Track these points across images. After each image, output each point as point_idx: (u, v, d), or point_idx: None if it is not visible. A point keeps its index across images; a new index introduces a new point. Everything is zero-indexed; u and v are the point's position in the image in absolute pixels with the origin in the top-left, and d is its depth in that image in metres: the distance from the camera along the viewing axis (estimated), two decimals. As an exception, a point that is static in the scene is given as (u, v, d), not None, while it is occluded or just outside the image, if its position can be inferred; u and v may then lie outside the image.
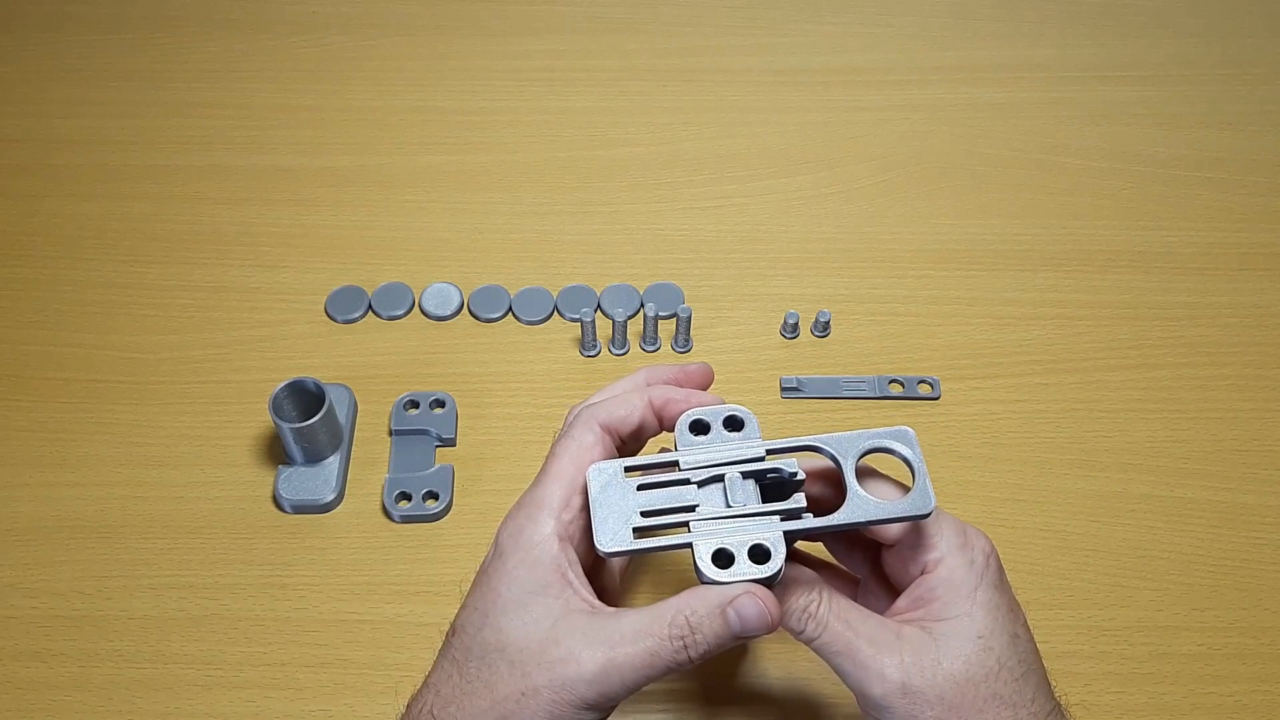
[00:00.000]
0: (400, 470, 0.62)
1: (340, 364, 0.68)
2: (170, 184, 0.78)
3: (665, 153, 0.82)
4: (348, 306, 0.70)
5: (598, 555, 0.40)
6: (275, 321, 0.70)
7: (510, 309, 0.71)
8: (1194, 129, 0.84)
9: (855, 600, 0.42)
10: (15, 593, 0.58)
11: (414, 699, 0.41)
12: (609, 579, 0.47)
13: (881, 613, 0.41)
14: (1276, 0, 0.95)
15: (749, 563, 0.38)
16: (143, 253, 0.74)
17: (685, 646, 0.38)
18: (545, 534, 0.40)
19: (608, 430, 0.42)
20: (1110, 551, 0.60)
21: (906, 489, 0.40)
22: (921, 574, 0.41)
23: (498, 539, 0.41)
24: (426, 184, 0.79)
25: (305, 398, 0.61)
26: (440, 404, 0.65)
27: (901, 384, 0.67)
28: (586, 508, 0.40)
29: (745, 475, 0.40)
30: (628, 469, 0.40)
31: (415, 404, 0.65)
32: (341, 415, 0.63)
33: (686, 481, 0.40)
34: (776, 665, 0.56)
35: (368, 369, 0.68)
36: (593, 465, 0.40)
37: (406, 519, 0.61)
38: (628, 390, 0.44)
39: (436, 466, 0.63)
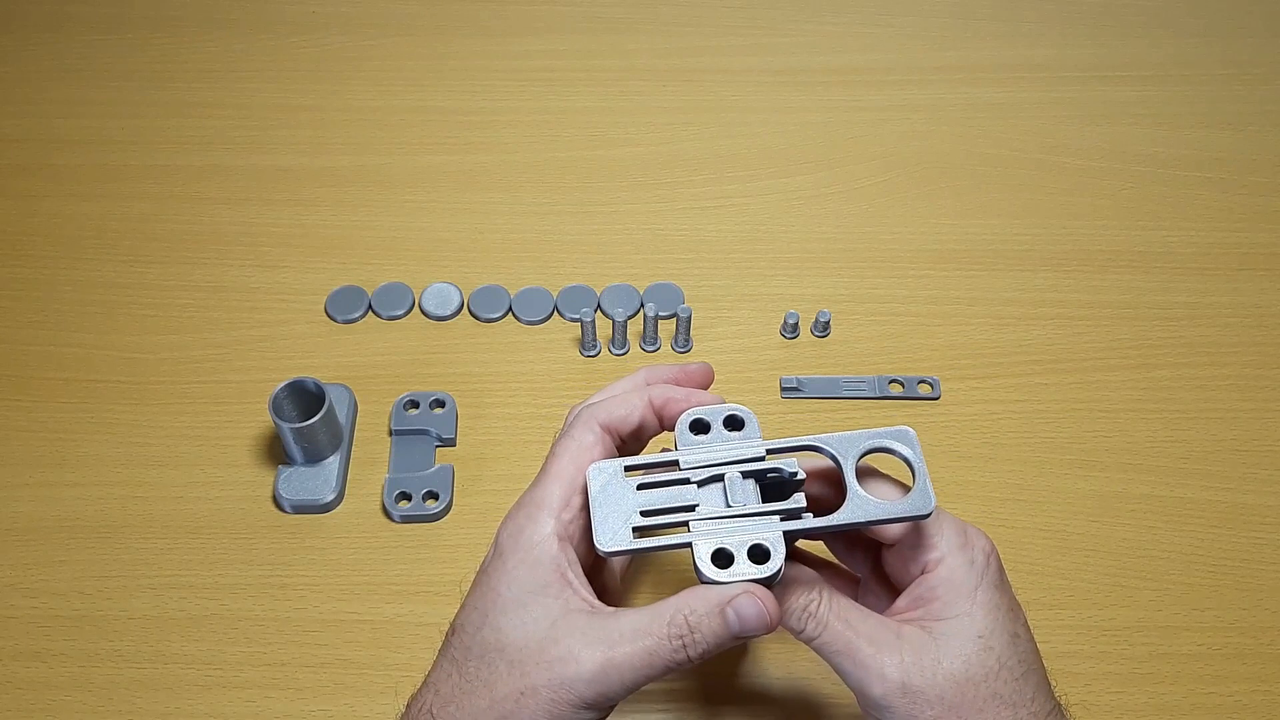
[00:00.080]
0: (400, 470, 0.62)
1: (340, 364, 0.68)
2: (170, 184, 0.78)
3: (665, 153, 0.82)
4: (348, 306, 0.70)
5: (598, 555, 0.40)
6: (275, 321, 0.70)
7: (510, 309, 0.71)
8: (1194, 129, 0.84)
9: (855, 600, 0.42)
10: (15, 593, 0.58)
11: (414, 698, 0.41)
12: (609, 579, 0.47)
13: (882, 612, 0.41)
14: (1276, 0, 0.95)
15: (748, 563, 0.38)
16: (143, 253, 0.74)
17: (684, 646, 0.38)
18: (545, 534, 0.40)
19: (608, 430, 0.42)
20: (1110, 551, 0.60)
21: (907, 489, 0.40)
22: (922, 573, 0.41)
23: (498, 539, 0.41)
24: (426, 184, 0.79)
25: (305, 398, 0.61)
26: (440, 404, 0.65)
27: (901, 384, 0.67)
28: (586, 507, 0.40)
29: (745, 475, 0.40)
30: (627, 468, 0.40)
31: (415, 404, 0.65)
32: (341, 415, 0.63)
33: (686, 481, 0.40)
34: (776, 665, 0.56)
35: (368, 369, 0.68)
36: (592, 464, 0.40)
37: (406, 519, 0.61)
38: (628, 390, 0.44)
39: (436, 466, 0.63)
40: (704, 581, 0.39)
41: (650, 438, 0.44)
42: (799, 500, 0.39)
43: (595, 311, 0.70)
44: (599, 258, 0.74)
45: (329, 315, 0.70)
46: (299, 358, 0.68)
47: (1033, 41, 0.91)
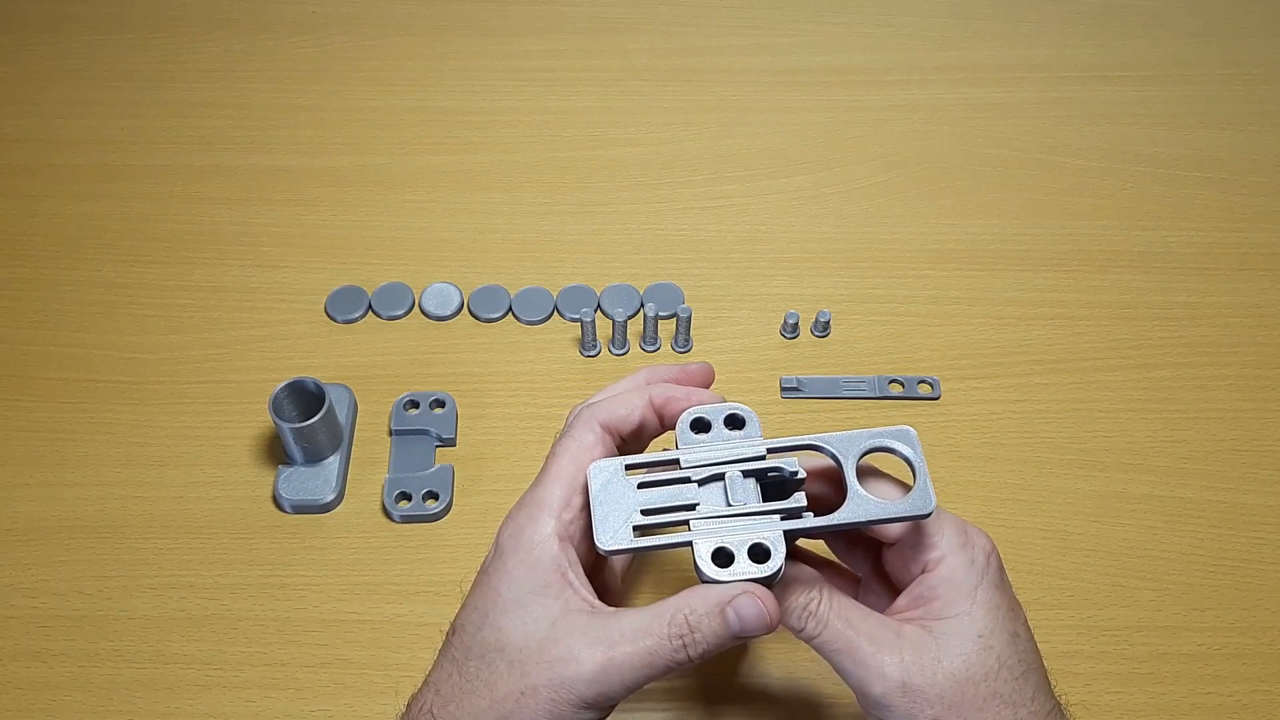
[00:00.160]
0: (400, 470, 0.62)
1: (340, 364, 0.68)
2: (170, 184, 0.78)
3: (665, 153, 0.82)
4: (348, 306, 0.70)
5: (598, 554, 0.40)
6: (275, 321, 0.70)
7: (510, 309, 0.71)
8: (1194, 129, 0.84)
9: (856, 599, 0.42)
10: (15, 593, 0.58)
11: (414, 698, 0.41)
12: (610, 578, 0.47)
13: (882, 611, 0.41)
14: (1276, 0, 0.95)
15: (749, 562, 0.38)
16: (143, 253, 0.74)
17: (684, 646, 0.38)
18: (545, 534, 0.40)
19: (608, 430, 0.42)
20: (1110, 551, 0.60)
21: (907, 488, 0.40)
22: (922, 573, 0.41)
23: (498, 539, 0.41)
24: (426, 184, 0.79)
25: (305, 398, 0.61)
26: (440, 404, 0.65)
27: (901, 384, 0.67)
28: (587, 507, 0.40)
29: (746, 474, 0.40)
30: (628, 467, 0.40)
31: (415, 404, 0.65)
32: (341, 415, 0.63)
33: (687, 480, 0.40)
34: (777, 664, 0.56)
35: (368, 369, 0.68)
36: (593, 463, 0.40)
37: (406, 519, 0.61)
38: (628, 390, 0.44)
39: (436, 466, 0.63)
40: (704, 580, 0.39)
41: (651, 438, 0.44)
42: (799, 499, 0.39)
43: (595, 311, 0.70)
44: (599, 258, 0.74)
45: (329, 315, 0.70)
46: (299, 358, 0.68)
47: (1033, 41, 0.91)
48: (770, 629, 0.38)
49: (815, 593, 0.40)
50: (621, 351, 0.69)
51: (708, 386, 0.46)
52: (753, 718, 0.54)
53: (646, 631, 0.38)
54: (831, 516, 0.39)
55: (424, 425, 0.64)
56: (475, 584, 0.41)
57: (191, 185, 0.78)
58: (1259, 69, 0.89)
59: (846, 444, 0.41)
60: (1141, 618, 0.58)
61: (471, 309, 0.71)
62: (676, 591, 0.39)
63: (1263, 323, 0.71)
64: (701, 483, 0.40)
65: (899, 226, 0.77)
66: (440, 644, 0.41)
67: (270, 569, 0.59)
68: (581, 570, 0.40)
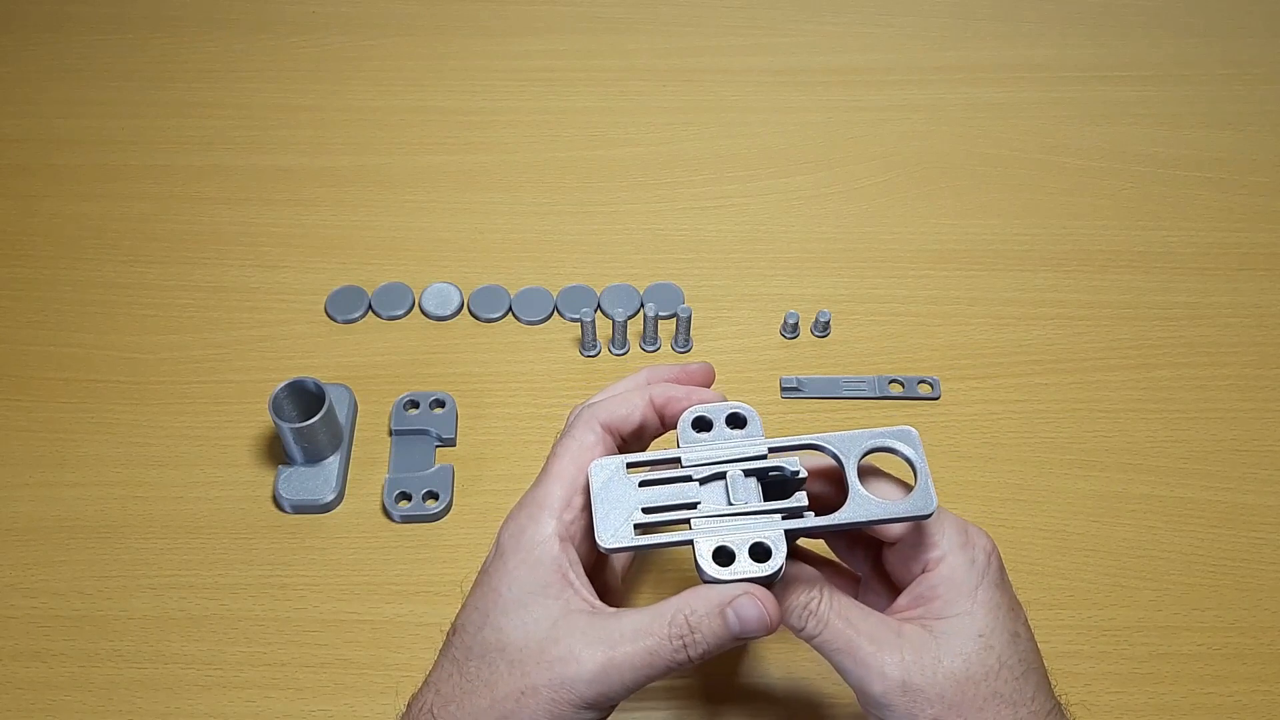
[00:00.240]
0: (400, 470, 0.62)
1: (340, 364, 0.68)
2: (170, 184, 0.78)
3: (665, 153, 0.82)
4: (348, 306, 0.70)
5: (599, 554, 0.40)
6: (275, 321, 0.70)
7: (510, 309, 0.71)
8: (1194, 129, 0.84)
9: (856, 598, 0.42)
10: (15, 593, 0.58)
11: (414, 698, 0.41)
12: (611, 578, 0.47)
13: (882, 611, 0.41)
14: (1276, 0, 0.95)
15: (750, 561, 0.38)
16: (143, 253, 0.74)
17: (684, 646, 0.38)
18: (546, 534, 0.40)
19: (609, 430, 0.42)
20: (1110, 551, 0.60)
21: (908, 488, 0.40)
22: (923, 572, 0.41)
23: (499, 539, 0.41)
24: (426, 184, 0.79)
25: (305, 398, 0.61)
26: (440, 404, 0.65)
27: (901, 384, 0.67)
28: (588, 508, 0.40)
29: (747, 473, 0.40)
30: (630, 465, 0.40)
31: (415, 404, 0.65)
32: (341, 415, 0.63)
33: (688, 478, 0.40)
34: (777, 664, 0.56)
35: (368, 369, 0.68)
36: (594, 461, 0.40)
37: (406, 519, 0.61)
38: (629, 389, 0.44)
39: (436, 466, 0.62)
40: (705, 579, 0.39)
41: (652, 438, 0.44)
42: (801, 499, 0.39)
43: (595, 311, 0.70)
44: (599, 258, 0.74)
45: (329, 315, 0.70)
46: (299, 358, 0.68)
47: (1033, 41, 0.91)
48: (770, 630, 0.38)
49: (816, 592, 0.40)
50: (621, 351, 0.69)
51: (708, 387, 0.46)
52: (753, 717, 0.54)
53: (647, 632, 0.38)
54: (833, 516, 0.39)
55: (424, 425, 0.64)
56: (476, 584, 0.41)
57: (191, 185, 0.78)
58: (1259, 69, 0.89)
59: (848, 444, 0.41)
60: (1141, 618, 0.58)
61: (471, 309, 0.71)
62: (677, 592, 0.39)
63: (1263, 323, 0.71)
64: (703, 481, 0.40)
65: (899, 226, 0.77)
66: (440, 644, 0.42)
67: (270, 569, 0.59)
68: (582, 570, 0.40)
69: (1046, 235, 0.76)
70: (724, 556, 0.38)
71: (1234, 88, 0.88)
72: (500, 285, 0.72)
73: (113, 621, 0.57)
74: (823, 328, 0.69)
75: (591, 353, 0.69)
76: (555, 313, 0.71)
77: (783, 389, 0.67)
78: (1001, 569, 0.41)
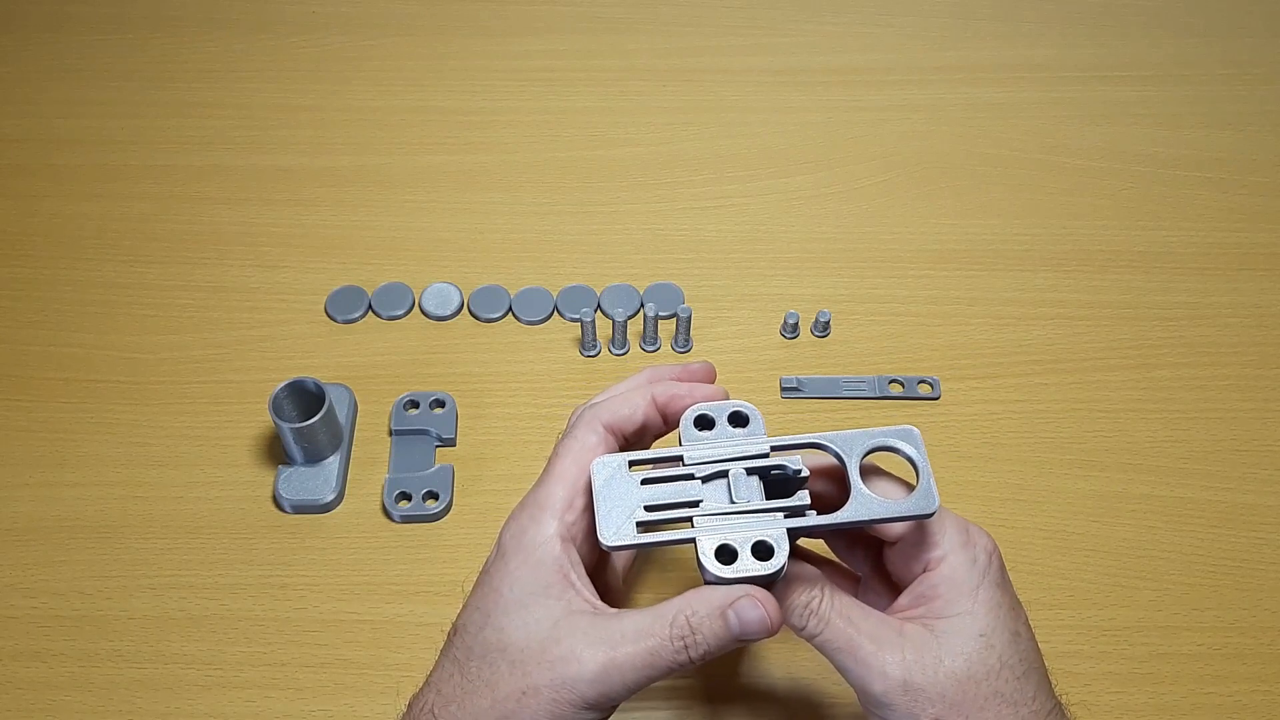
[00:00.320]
0: (400, 470, 0.62)
1: (340, 364, 0.68)
2: (170, 184, 0.78)
3: (665, 153, 0.82)
4: (348, 306, 0.70)
5: (601, 555, 0.40)
6: (275, 321, 0.70)
7: (510, 309, 0.71)
8: (1194, 129, 0.84)
9: (857, 598, 0.42)
10: (15, 593, 0.58)
11: (415, 698, 0.41)
12: (612, 578, 0.47)
13: (883, 610, 0.41)
14: (1276, 0, 0.95)
15: (752, 559, 0.38)
16: (143, 253, 0.74)
17: (686, 647, 0.38)
18: (548, 535, 0.40)
19: (611, 430, 0.42)
20: (1110, 551, 0.60)
21: (910, 487, 0.40)
22: (924, 572, 0.41)
23: (500, 539, 0.41)
24: (426, 184, 0.79)
25: (305, 398, 0.61)
26: (440, 404, 0.65)
27: (901, 384, 0.67)
28: (590, 508, 0.40)
29: (750, 471, 0.40)
30: (632, 463, 0.40)
31: (415, 404, 0.65)
32: (341, 415, 0.63)
33: (690, 476, 0.40)
34: (779, 663, 0.56)
35: (368, 369, 0.67)
36: (596, 459, 0.40)
37: (406, 519, 0.61)
38: (631, 389, 0.44)
39: (436, 466, 0.62)
40: (707, 578, 0.39)
41: (654, 438, 0.44)
42: (803, 498, 0.39)
43: (595, 311, 0.70)
44: (599, 258, 0.74)
45: (329, 315, 0.70)
46: (299, 358, 0.68)
47: (1033, 41, 0.91)
48: (771, 632, 0.38)
49: (817, 591, 0.40)
50: (621, 351, 0.69)
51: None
52: (754, 717, 0.54)
53: (648, 632, 0.38)
54: (835, 515, 0.39)
55: (424, 425, 0.64)
56: (477, 584, 0.41)
57: (191, 185, 0.78)
58: (1259, 69, 0.90)
59: (850, 443, 0.41)
60: (1141, 618, 0.58)
61: (471, 309, 0.71)
62: (678, 592, 0.39)
63: (1263, 323, 0.71)
64: (705, 480, 0.40)
65: (899, 226, 0.77)
66: (441, 644, 0.41)
67: (270, 569, 0.59)
68: (584, 571, 0.40)
69: (1046, 235, 0.76)
70: (726, 555, 0.38)
71: (1234, 88, 0.88)
72: (500, 285, 0.72)
73: (113, 621, 0.56)
74: (823, 328, 0.69)
75: (591, 353, 0.69)
76: (555, 313, 0.71)
77: (783, 389, 0.67)
78: (1002, 568, 0.41)
